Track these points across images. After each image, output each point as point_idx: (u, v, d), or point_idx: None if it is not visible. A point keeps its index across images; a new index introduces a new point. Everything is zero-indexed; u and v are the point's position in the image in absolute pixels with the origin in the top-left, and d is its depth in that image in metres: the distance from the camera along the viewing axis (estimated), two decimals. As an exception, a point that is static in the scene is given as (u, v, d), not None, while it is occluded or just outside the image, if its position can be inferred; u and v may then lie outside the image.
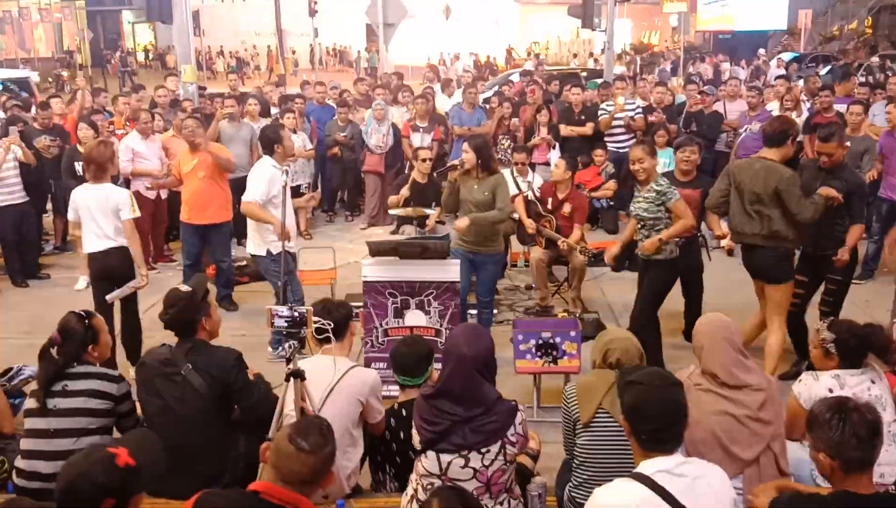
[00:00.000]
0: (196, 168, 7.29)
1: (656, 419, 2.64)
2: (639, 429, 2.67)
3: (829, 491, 2.69)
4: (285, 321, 3.36)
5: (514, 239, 8.20)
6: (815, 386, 3.75)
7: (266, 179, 6.16)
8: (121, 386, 3.88)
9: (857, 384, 3.65)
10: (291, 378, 3.33)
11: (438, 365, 4.61)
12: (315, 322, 3.48)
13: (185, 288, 3.99)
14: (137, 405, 4.11)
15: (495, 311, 7.26)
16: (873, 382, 3.68)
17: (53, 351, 3.83)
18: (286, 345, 3.31)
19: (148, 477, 2.57)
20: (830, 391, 3.68)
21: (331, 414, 3.48)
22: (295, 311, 3.35)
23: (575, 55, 40.66)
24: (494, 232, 6.26)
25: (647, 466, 2.60)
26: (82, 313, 4.04)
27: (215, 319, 4.08)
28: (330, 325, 3.59)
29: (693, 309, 6.32)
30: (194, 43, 14.30)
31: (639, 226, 5.75)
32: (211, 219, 7.37)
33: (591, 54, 34.91)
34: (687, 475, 2.57)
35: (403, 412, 3.88)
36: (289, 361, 3.30)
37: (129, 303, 6.03)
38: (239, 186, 9.20)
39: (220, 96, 11.42)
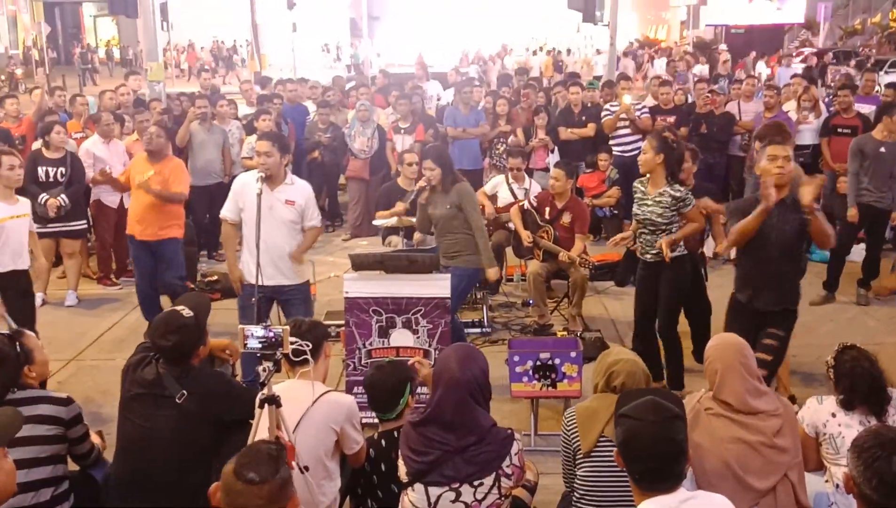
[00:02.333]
0: (151, 180, 7.03)
1: (649, 459, 2.62)
2: (632, 468, 2.66)
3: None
4: (259, 342, 3.35)
5: (509, 251, 8.21)
6: (818, 410, 3.81)
7: (234, 191, 5.94)
8: (70, 409, 3.83)
9: (867, 411, 3.71)
10: (266, 405, 3.32)
11: (423, 390, 4.65)
12: (292, 343, 3.46)
13: (187, 313, 3.93)
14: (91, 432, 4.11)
15: (488, 329, 7.29)
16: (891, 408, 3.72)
17: None
18: (261, 368, 3.30)
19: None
20: (833, 415, 3.75)
21: (302, 444, 3.48)
22: (270, 331, 3.34)
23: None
24: (460, 245, 6.25)
25: (649, 505, 2.59)
26: (11, 332, 4.02)
27: (208, 345, 4.10)
28: (308, 346, 3.58)
29: (700, 329, 6.35)
30: (162, 38, 14.29)
31: (644, 231, 5.78)
32: (162, 235, 7.14)
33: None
34: None
35: (383, 443, 3.88)
36: (263, 385, 3.29)
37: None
38: (211, 193, 9.32)
39: (184, 96, 11.41)
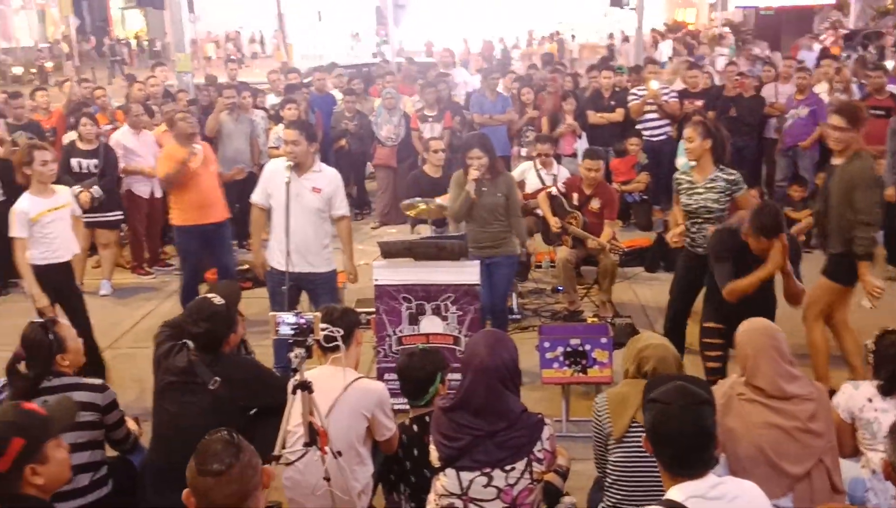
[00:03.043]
0: (208, 161, 7.07)
1: (678, 444, 2.60)
2: (661, 453, 2.65)
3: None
4: (291, 329, 3.38)
5: (538, 238, 8.20)
6: (854, 395, 3.77)
7: (263, 176, 6.03)
8: (105, 395, 3.91)
9: None
10: (298, 391, 3.35)
11: (454, 376, 4.67)
12: (323, 329, 3.49)
13: (218, 300, 4.00)
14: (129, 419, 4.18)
15: (518, 316, 7.29)
16: None
17: (21, 367, 3.86)
18: (293, 354, 3.33)
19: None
20: (870, 400, 3.71)
21: (334, 430, 3.51)
22: (301, 318, 3.37)
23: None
24: (507, 232, 6.28)
25: (678, 492, 2.57)
26: (44, 321, 4.09)
27: (240, 333, 4.15)
28: (340, 332, 3.61)
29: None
30: (189, 29, 14.38)
31: (696, 221, 5.63)
32: (217, 217, 7.15)
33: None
34: (722, 497, 2.55)
35: (415, 428, 3.90)
36: (295, 371, 3.32)
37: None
38: (240, 183, 9.40)
39: (212, 86, 11.47)
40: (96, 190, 7.89)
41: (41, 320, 4.11)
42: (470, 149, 6.09)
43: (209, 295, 4.06)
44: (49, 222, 5.87)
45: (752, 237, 4.85)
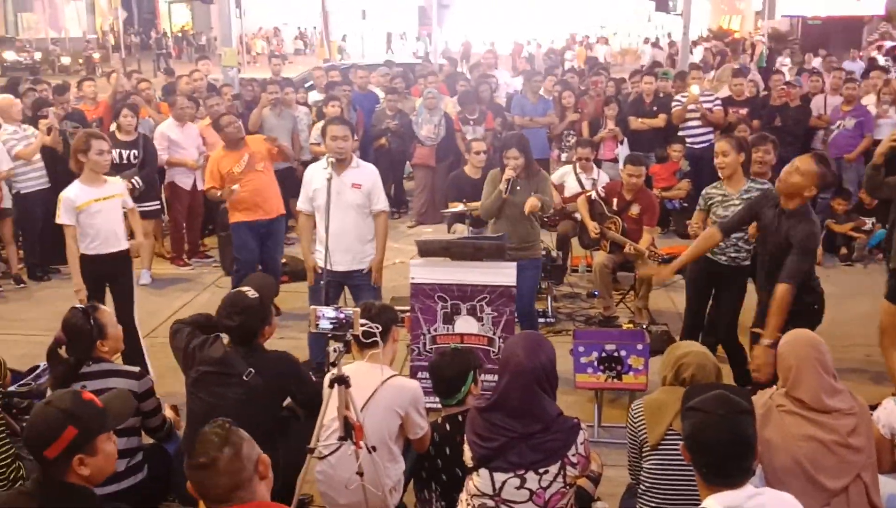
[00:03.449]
0: (252, 161, 7.02)
1: (717, 453, 2.58)
2: (699, 461, 2.63)
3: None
4: (330, 323, 3.41)
5: (574, 242, 8.17)
6: (894, 411, 3.69)
7: (304, 182, 6.02)
8: (142, 382, 3.98)
9: None
10: (335, 385, 3.38)
11: (488, 377, 4.67)
12: (362, 325, 3.52)
13: (252, 294, 4.06)
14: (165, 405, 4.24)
15: (552, 320, 7.27)
16: None
17: (62, 351, 3.93)
18: (331, 349, 3.36)
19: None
20: None
21: (368, 426, 3.54)
22: (341, 313, 3.40)
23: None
24: (535, 235, 6.30)
25: (714, 501, 2.55)
26: (86, 307, 4.16)
27: (274, 326, 4.21)
28: (378, 328, 3.63)
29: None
30: (236, 25, 14.52)
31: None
32: (274, 212, 7.13)
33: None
34: None
35: (448, 427, 3.91)
36: (333, 365, 3.35)
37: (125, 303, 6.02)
38: (282, 178, 9.48)
39: (255, 81, 11.58)
40: (137, 181, 7.98)
41: (83, 306, 4.18)
42: (507, 149, 6.11)
43: (243, 288, 4.11)
44: (96, 212, 5.86)
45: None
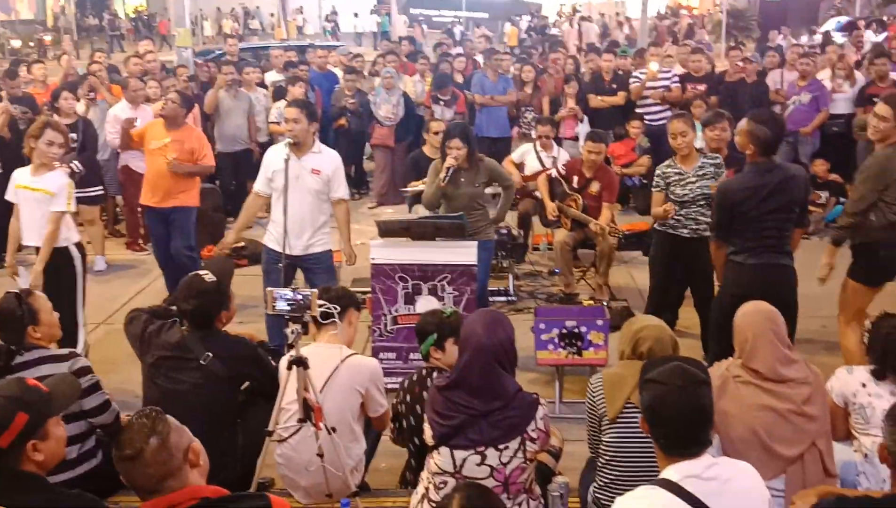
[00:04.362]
0: (169, 147, 6.99)
1: (675, 424, 2.60)
2: (657, 433, 2.66)
3: (883, 493, 2.68)
4: (287, 305, 3.38)
5: (536, 220, 8.19)
6: (848, 380, 3.78)
7: (264, 163, 5.99)
8: (72, 363, 3.82)
9: None
10: (294, 366, 3.36)
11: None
12: (320, 305, 3.50)
13: (209, 278, 4.00)
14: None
15: (514, 298, 7.30)
16: None
17: None
18: (289, 330, 3.34)
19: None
20: (863, 385, 3.72)
21: (328, 406, 3.52)
22: (298, 294, 3.37)
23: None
24: (484, 217, 6.30)
25: (673, 471, 2.58)
26: (18, 292, 4.05)
27: (233, 311, 4.17)
28: (336, 309, 3.62)
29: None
30: (190, 5, 14.28)
31: (692, 208, 5.78)
32: (173, 203, 7.07)
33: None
34: (717, 477, 2.56)
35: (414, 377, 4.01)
36: (291, 347, 3.33)
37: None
38: (238, 160, 9.41)
39: (212, 62, 11.42)
40: (76, 165, 7.75)
41: (16, 291, 4.09)
42: (450, 138, 6.05)
43: (201, 272, 4.06)
44: (22, 199, 5.79)
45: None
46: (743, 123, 5.01)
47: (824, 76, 10.18)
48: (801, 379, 3.46)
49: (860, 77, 10.10)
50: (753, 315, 3.60)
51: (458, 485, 3.02)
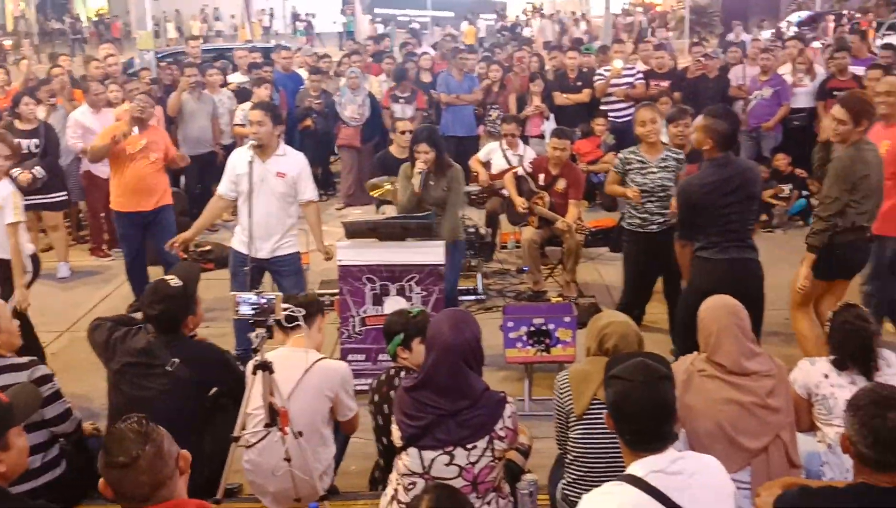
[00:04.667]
0: (148, 149, 6.94)
1: (639, 420, 2.61)
2: (622, 429, 2.67)
3: (846, 483, 2.71)
4: (252, 309, 3.36)
5: (503, 219, 8.20)
6: (810, 371, 3.83)
7: (228, 166, 5.94)
8: (32, 372, 3.77)
9: (857, 371, 3.72)
10: (259, 371, 3.33)
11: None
12: (285, 309, 3.48)
13: (175, 282, 3.95)
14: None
15: (483, 297, 7.31)
16: (878, 369, 3.72)
17: None
18: (253, 334, 3.31)
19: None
20: (826, 376, 3.76)
21: (296, 411, 3.50)
22: (263, 298, 3.35)
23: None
24: (458, 221, 6.35)
25: (639, 467, 2.59)
26: None
27: (199, 316, 4.12)
28: (301, 312, 3.59)
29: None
30: (152, 7, 14.13)
31: (651, 199, 5.80)
32: (163, 202, 7.08)
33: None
34: (682, 472, 2.58)
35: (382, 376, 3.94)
36: (255, 351, 3.30)
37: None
38: (202, 163, 9.31)
39: (176, 64, 11.31)
40: (38, 170, 7.63)
41: None
42: (418, 143, 6.02)
43: (167, 277, 4.02)
44: None
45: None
46: (699, 120, 5.08)
47: (785, 71, 10.30)
48: (765, 372, 3.49)
49: (820, 71, 10.22)
50: (717, 310, 3.63)
51: (427, 486, 3.02)
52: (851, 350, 3.73)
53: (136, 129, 6.89)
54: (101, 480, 2.44)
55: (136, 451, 2.39)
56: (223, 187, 5.90)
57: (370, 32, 24.23)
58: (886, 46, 11.54)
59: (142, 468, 2.39)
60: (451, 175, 6.13)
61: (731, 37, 18.92)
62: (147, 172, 6.94)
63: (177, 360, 3.81)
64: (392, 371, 3.95)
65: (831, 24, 22.48)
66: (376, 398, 3.91)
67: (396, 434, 3.30)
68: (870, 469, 2.56)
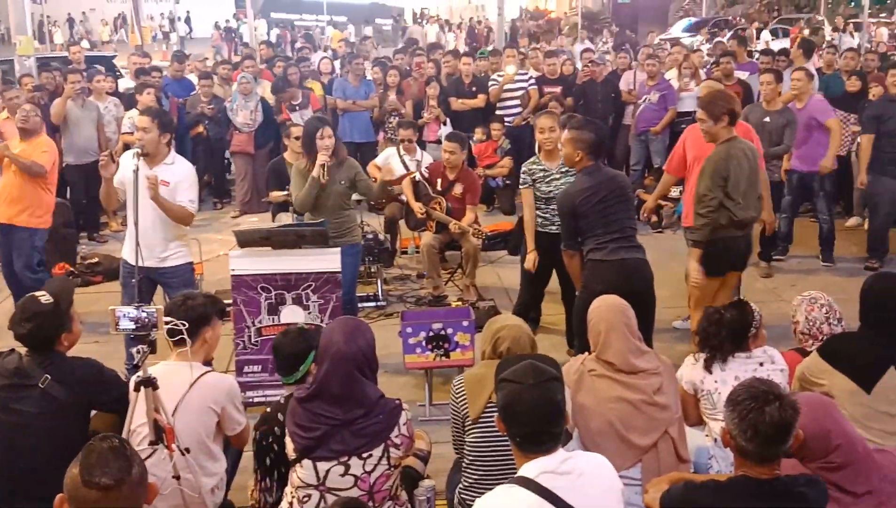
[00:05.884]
0: (21, 154, 6.66)
1: (529, 421, 2.64)
2: (513, 431, 2.69)
3: (728, 477, 2.79)
4: (132, 323, 3.22)
5: (402, 224, 8.19)
6: (695, 368, 3.96)
7: (121, 166, 5.63)
8: None
9: (740, 367, 3.85)
10: (142, 387, 3.21)
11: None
12: (167, 323, 3.35)
13: (46, 299, 3.73)
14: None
15: (383, 303, 7.27)
16: (761, 364, 3.87)
17: None
18: (135, 350, 3.19)
19: None
20: (710, 372, 3.88)
21: (182, 426, 3.39)
22: (143, 311, 3.22)
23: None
24: (351, 220, 6.25)
25: (530, 468, 2.61)
26: None
27: (76, 333, 3.88)
28: (185, 325, 3.46)
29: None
30: (31, 10, 13.52)
31: (550, 204, 5.84)
32: (15, 220, 6.75)
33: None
34: (572, 471, 2.62)
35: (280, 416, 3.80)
36: (137, 367, 3.18)
37: None
38: (89, 172, 8.95)
39: (57, 70, 10.86)
40: None
41: None
42: (318, 129, 5.93)
43: (37, 293, 3.81)
44: None
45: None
46: (566, 134, 5.17)
47: (671, 75, 10.62)
48: (652, 370, 3.58)
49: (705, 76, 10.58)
50: (605, 309, 3.70)
51: (336, 501, 3.01)
52: (713, 345, 3.88)
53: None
54: (60, 496, 2.29)
55: (121, 475, 2.27)
56: (116, 180, 5.66)
57: (264, 37, 23.88)
58: (766, 52, 12.00)
59: (123, 493, 2.27)
60: (348, 167, 6.09)
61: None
62: (12, 182, 6.66)
63: (48, 376, 3.61)
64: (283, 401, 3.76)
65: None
66: (281, 416, 3.77)
67: (290, 446, 3.24)
68: (750, 461, 2.65)
